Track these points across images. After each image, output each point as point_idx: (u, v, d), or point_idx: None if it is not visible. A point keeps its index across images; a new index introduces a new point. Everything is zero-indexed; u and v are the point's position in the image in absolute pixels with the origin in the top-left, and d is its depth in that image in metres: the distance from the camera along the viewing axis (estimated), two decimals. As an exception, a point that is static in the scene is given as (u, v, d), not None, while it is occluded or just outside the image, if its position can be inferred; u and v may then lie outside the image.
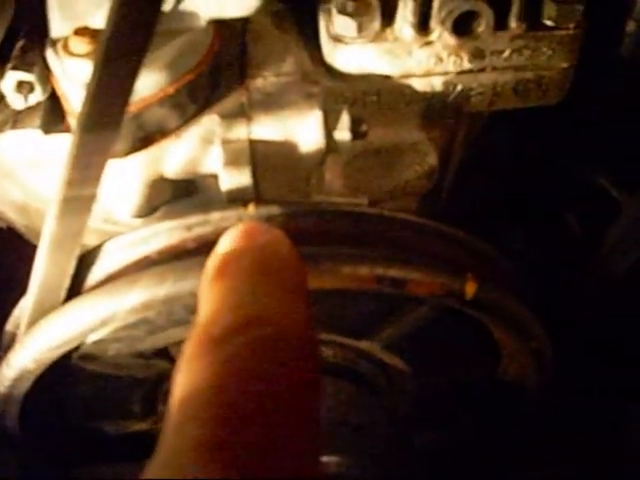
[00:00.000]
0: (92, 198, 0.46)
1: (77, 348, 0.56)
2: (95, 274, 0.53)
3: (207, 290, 0.38)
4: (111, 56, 0.41)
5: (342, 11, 0.55)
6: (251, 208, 0.52)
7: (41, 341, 0.52)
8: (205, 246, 0.52)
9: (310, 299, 0.39)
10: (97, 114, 0.43)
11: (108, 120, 0.43)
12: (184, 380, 0.34)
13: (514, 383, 0.63)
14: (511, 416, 0.65)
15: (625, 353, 0.65)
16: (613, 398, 0.66)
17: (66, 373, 0.59)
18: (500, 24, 0.56)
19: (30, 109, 0.54)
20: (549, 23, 0.57)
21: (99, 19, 0.49)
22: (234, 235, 0.40)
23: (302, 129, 0.55)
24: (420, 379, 0.64)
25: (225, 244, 0.40)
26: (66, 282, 0.52)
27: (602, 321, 0.64)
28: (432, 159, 0.62)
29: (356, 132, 0.56)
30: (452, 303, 0.53)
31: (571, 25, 0.57)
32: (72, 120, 0.53)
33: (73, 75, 0.49)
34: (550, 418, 0.68)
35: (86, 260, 0.54)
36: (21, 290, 0.55)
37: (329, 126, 0.55)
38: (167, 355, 0.59)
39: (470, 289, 0.52)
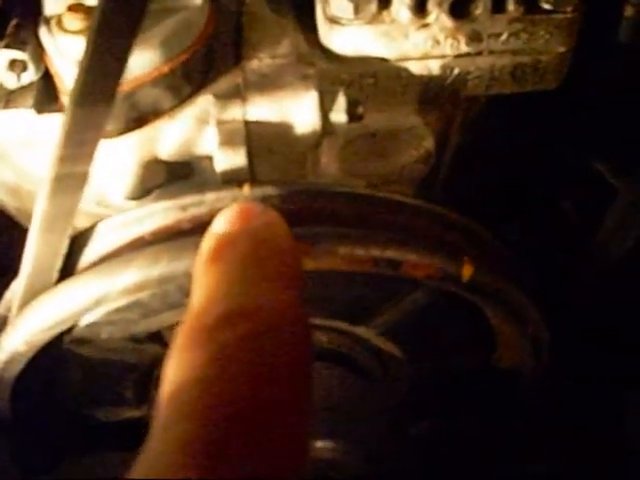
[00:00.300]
0: (85, 176, 0.46)
1: (69, 331, 0.55)
2: (88, 255, 0.53)
3: (201, 274, 0.38)
4: (104, 29, 0.41)
5: (339, -8, 0.55)
6: (246, 189, 0.51)
7: (33, 322, 0.52)
8: (200, 227, 0.51)
9: (304, 285, 0.38)
10: (90, 89, 0.42)
11: (101, 95, 0.43)
12: (174, 371, 0.33)
13: (510, 370, 0.63)
14: (507, 404, 0.65)
15: (623, 340, 0.65)
16: (612, 386, 0.66)
17: (58, 357, 0.58)
18: (498, 7, 0.56)
19: (23, 89, 0.53)
20: (547, 6, 0.56)
21: (93, -4, 0.49)
22: (229, 216, 0.39)
23: (298, 110, 0.54)
24: (415, 366, 0.64)
25: (220, 225, 0.39)
26: (58, 263, 0.51)
27: (599, 307, 0.63)
28: (429, 143, 0.61)
29: (352, 114, 0.55)
30: (448, 286, 0.52)
31: (569, 9, 0.56)
32: (65, 99, 0.52)
33: (67, 52, 0.48)
34: (552, 410, 0.68)
35: (78, 241, 0.53)
36: (13, 274, 0.55)
37: (325, 108, 0.55)
38: (160, 339, 0.59)
39: (467, 272, 0.51)
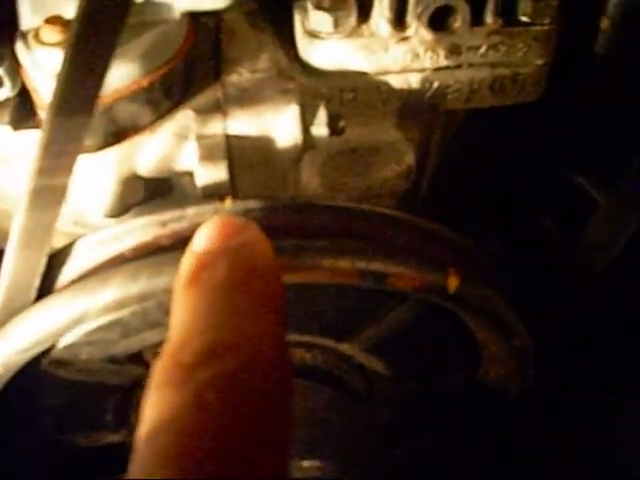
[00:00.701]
0: (64, 189, 0.45)
1: (47, 353, 0.54)
2: (66, 273, 0.52)
3: (179, 298, 0.37)
4: (82, 40, 0.40)
5: (318, 6, 0.55)
6: (228, 203, 0.50)
7: (9, 343, 0.50)
8: (180, 242, 0.50)
9: (284, 305, 0.37)
10: (69, 100, 0.42)
11: (80, 106, 0.42)
12: (150, 411, 0.32)
13: (496, 385, 0.62)
14: (494, 418, 0.64)
15: (607, 348, 0.64)
16: (600, 392, 0.65)
17: (35, 381, 0.56)
18: (476, 20, 0.56)
19: (-1, 105, 0.52)
20: (524, 19, 0.57)
21: (70, 10, 0.48)
22: (209, 232, 0.38)
23: (278, 124, 0.54)
24: (400, 383, 0.63)
25: (199, 242, 0.38)
26: (36, 281, 0.50)
27: (583, 319, 0.63)
28: (409, 158, 0.61)
29: (333, 128, 0.55)
30: (434, 297, 0.52)
31: (546, 21, 0.57)
32: (43, 114, 0.51)
33: (44, 65, 0.48)
34: (541, 416, 0.67)
35: (57, 259, 0.52)
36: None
37: (306, 122, 0.55)
38: (141, 360, 0.58)
39: (452, 283, 0.51)
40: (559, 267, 0.63)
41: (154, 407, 0.32)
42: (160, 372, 0.34)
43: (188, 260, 0.38)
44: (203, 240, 0.38)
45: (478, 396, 0.64)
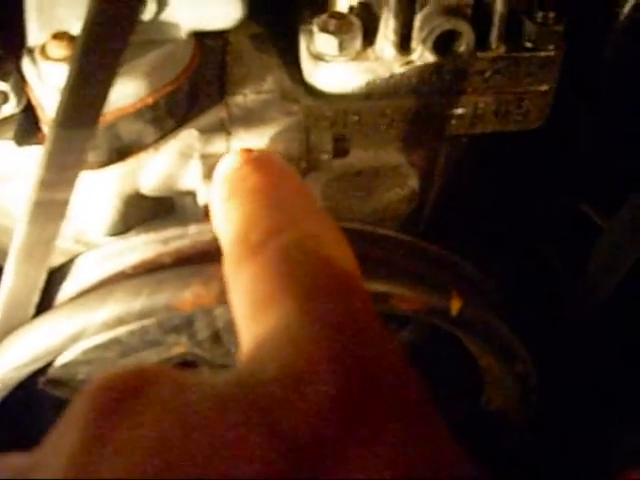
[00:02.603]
0: (65, 203, 0.45)
1: (44, 372, 0.53)
2: (66, 290, 0.51)
3: (221, 215, 0.38)
4: (88, 52, 0.40)
5: (323, 29, 0.55)
6: (230, 221, 0.50)
7: (7, 359, 0.50)
8: (182, 260, 0.50)
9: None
10: (73, 113, 0.42)
11: (84, 120, 0.42)
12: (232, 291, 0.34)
13: (498, 413, 0.62)
14: (496, 446, 0.63)
15: (612, 377, 0.64)
16: (603, 426, 0.64)
17: (31, 401, 0.56)
18: (481, 45, 0.56)
19: (3, 120, 0.52)
20: (529, 45, 0.57)
21: (77, 27, 0.48)
22: (227, 160, 0.40)
23: (282, 145, 0.54)
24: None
25: (222, 170, 0.40)
26: (35, 297, 0.50)
27: (587, 345, 0.62)
28: (413, 182, 0.61)
29: (337, 150, 0.55)
30: (436, 320, 0.51)
31: (551, 47, 0.57)
32: (47, 129, 0.51)
33: (50, 80, 0.48)
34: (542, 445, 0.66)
35: (57, 275, 0.52)
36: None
37: (309, 143, 0.55)
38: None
39: (455, 306, 0.50)
40: (563, 295, 0.63)
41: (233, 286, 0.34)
42: (229, 257, 0.35)
43: (218, 186, 0.39)
44: (224, 168, 0.40)
45: (481, 424, 0.63)
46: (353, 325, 0.31)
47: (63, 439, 0.27)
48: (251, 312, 0.33)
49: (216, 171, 0.40)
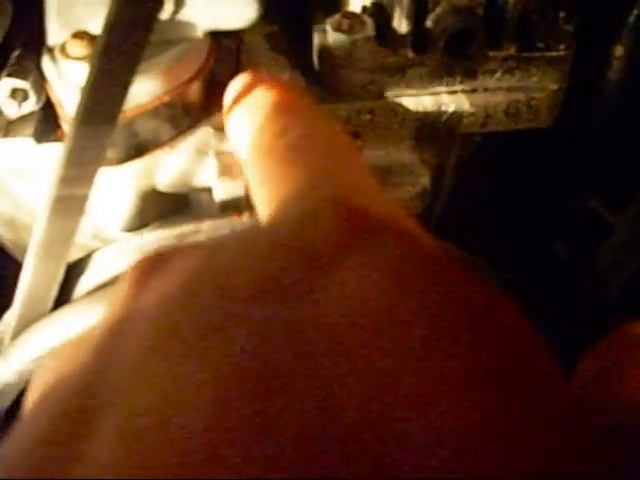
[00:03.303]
0: (85, 199, 0.46)
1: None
2: (84, 284, 0.52)
3: (236, 122, 0.40)
4: (110, 50, 0.41)
5: (337, 29, 0.56)
6: (245, 217, 0.51)
7: (25, 352, 0.51)
8: (197, 255, 0.51)
9: None
10: (93, 109, 0.42)
11: (104, 116, 0.43)
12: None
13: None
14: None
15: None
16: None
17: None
18: (492, 44, 0.57)
19: (23, 118, 0.53)
20: (540, 44, 0.58)
21: (97, 26, 0.49)
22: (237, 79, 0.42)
23: (296, 143, 0.55)
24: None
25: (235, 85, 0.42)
26: (54, 292, 0.51)
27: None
28: (425, 180, 0.62)
29: (350, 148, 0.56)
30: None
31: (561, 47, 0.58)
32: (66, 127, 0.52)
33: (70, 78, 0.49)
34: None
35: (74, 270, 0.53)
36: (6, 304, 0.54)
37: (323, 141, 0.55)
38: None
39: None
40: (574, 292, 0.63)
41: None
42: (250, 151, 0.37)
43: (229, 97, 0.42)
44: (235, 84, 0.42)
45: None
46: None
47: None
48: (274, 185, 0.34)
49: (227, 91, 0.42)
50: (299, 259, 0.24)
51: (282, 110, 0.38)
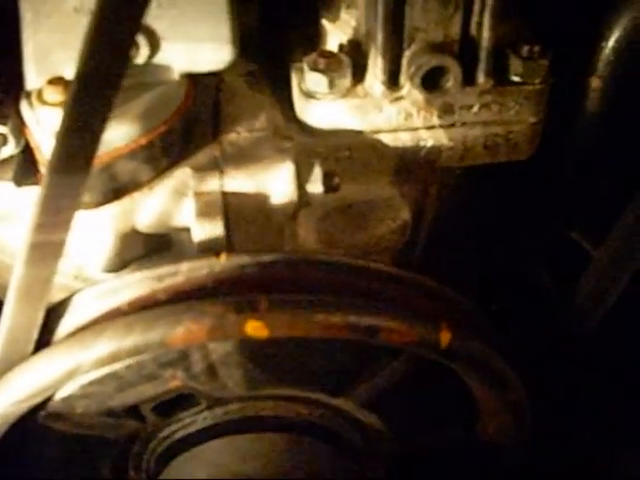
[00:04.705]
0: (61, 244, 0.46)
1: (44, 406, 0.54)
2: (64, 326, 0.52)
3: None
4: (80, 98, 0.42)
5: (314, 68, 0.56)
6: (222, 258, 0.51)
7: (7, 394, 0.51)
8: (176, 296, 0.51)
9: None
10: (66, 157, 0.43)
11: (77, 164, 0.43)
12: None
13: (493, 441, 0.62)
14: (492, 471, 0.64)
15: (603, 401, 0.64)
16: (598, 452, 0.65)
17: (32, 434, 0.57)
18: (468, 79, 0.57)
19: (2, 162, 0.54)
20: (516, 79, 0.58)
21: (73, 72, 0.50)
22: None
23: (274, 182, 0.55)
24: (397, 439, 0.63)
25: None
26: (34, 334, 0.51)
27: (576, 373, 0.63)
28: (405, 214, 0.62)
29: (328, 185, 0.56)
30: (426, 352, 0.52)
31: (537, 80, 0.58)
32: (45, 171, 0.53)
33: (47, 124, 0.49)
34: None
35: (54, 313, 0.53)
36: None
37: (301, 179, 0.56)
38: (138, 414, 0.58)
39: (444, 338, 0.51)
40: (555, 319, 0.64)
41: None
42: None
43: None
44: None
45: (478, 451, 0.63)
46: None
47: None
48: None
49: None
50: None
51: None
